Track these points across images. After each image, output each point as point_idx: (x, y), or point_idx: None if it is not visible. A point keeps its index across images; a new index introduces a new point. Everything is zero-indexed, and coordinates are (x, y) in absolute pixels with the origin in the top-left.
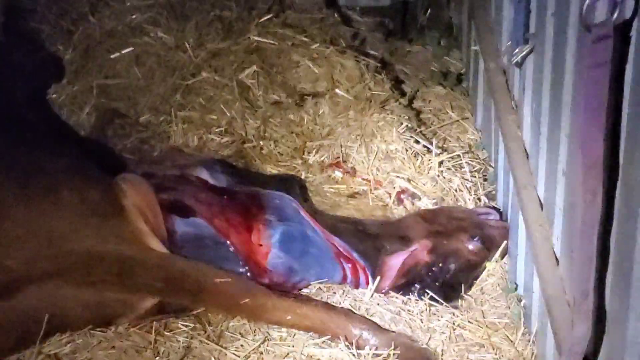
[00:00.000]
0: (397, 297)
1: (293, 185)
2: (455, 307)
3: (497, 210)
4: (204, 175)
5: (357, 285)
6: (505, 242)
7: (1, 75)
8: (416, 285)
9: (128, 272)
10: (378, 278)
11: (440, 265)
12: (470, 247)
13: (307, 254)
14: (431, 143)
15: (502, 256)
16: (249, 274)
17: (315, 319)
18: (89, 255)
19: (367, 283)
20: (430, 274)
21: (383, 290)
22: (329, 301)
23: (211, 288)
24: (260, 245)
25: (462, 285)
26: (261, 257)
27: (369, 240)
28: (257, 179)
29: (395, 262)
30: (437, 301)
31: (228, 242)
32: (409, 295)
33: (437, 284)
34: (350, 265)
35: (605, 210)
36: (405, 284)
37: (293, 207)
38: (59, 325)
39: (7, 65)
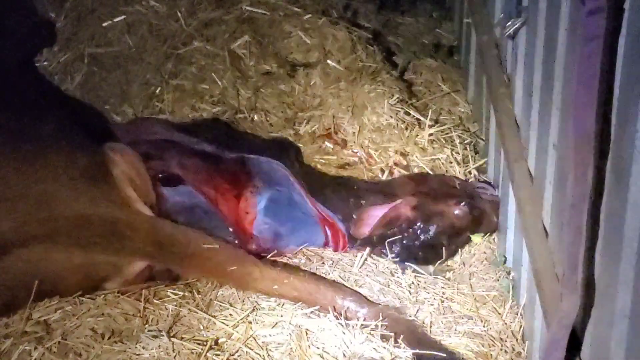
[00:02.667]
0: (385, 270)
1: (287, 148)
2: (441, 274)
3: (492, 186)
4: (185, 142)
5: (335, 250)
6: (496, 217)
7: None
8: (396, 239)
9: (118, 235)
10: (367, 249)
11: (422, 224)
12: (456, 212)
13: (293, 218)
14: (422, 115)
15: (493, 231)
16: (236, 241)
17: (303, 290)
18: (78, 218)
19: (345, 247)
20: (410, 230)
21: (362, 237)
22: (317, 271)
23: (199, 254)
24: (247, 213)
25: (443, 249)
26: (247, 224)
27: (353, 199)
28: (249, 142)
29: (377, 212)
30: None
31: (216, 210)
32: (385, 248)
33: (416, 242)
34: (331, 231)
35: (595, 184)
36: (384, 235)
37: (282, 171)
38: (48, 287)
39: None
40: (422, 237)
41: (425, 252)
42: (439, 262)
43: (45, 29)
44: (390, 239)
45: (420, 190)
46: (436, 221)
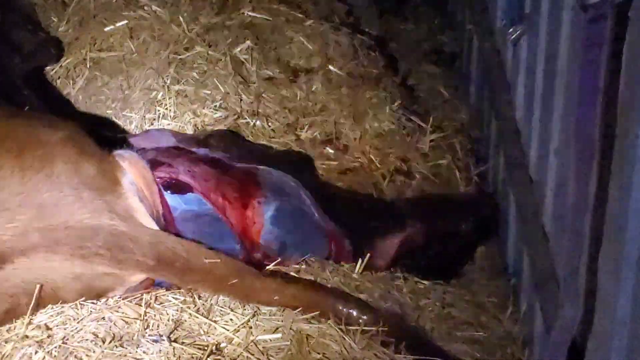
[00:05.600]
0: (386, 275)
1: (299, 161)
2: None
3: (488, 194)
4: (195, 150)
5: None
6: (496, 224)
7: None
8: (412, 268)
9: (119, 248)
10: (367, 255)
11: (435, 248)
12: (465, 228)
13: (300, 230)
14: (424, 121)
15: (492, 235)
16: (242, 249)
17: (303, 299)
18: (80, 229)
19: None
20: (425, 257)
21: (377, 271)
22: (319, 277)
23: (200, 268)
24: (254, 222)
25: (458, 265)
26: (254, 234)
27: (363, 218)
28: (261, 154)
29: (389, 244)
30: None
31: (223, 217)
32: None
33: (431, 265)
34: (336, 247)
35: (597, 191)
36: (400, 266)
37: (292, 183)
38: (50, 297)
39: (4, 44)
40: (438, 261)
41: (441, 272)
42: (453, 277)
43: (51, 45)
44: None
45: (426, 213)
46: (448, 243)
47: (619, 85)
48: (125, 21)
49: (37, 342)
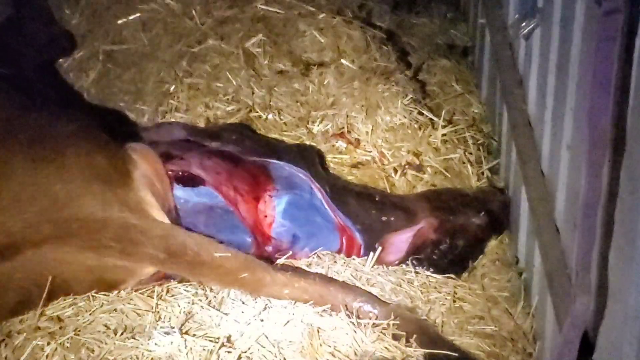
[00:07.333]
0: (397, 269)
1: (310, 154)
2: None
3: (499, 189)
4: (207, 143)
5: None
6: (507, 219)
7: (12, 45)
8: (424, 263)
9: (130, 240)
10: (380, 249)
11: (448, 242)
12: (477, 223)
13: (311, 223)
14: (435, 115)
15: (503, 230)
16: (254, 243)
17: (313, 292)
18: (91, 221)
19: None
20: (437, 252)
21: (390, 265)
22: (329, 271)
23: (210, 262)
24: (265, 215)
25: (470, 260)
26: (266, 226)
27: (374, 211)
28: (272, 147)
29: (401, 239)
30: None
31: (235, 210)
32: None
33: (445, 261)
34: (347, 241)
35: (609, 185)
36: (412, 261)
37: (303, 177)
38: (61, 288)
39: (18, 36)
40: (450, 256)
41: (452, 267)
42: (466, 272)
43: (64, 39)
44: (415, 255)
45: (438, 207)
46: (460, 237)
47: (632, 78)
48: (138, 14)
49: (49, 333)
